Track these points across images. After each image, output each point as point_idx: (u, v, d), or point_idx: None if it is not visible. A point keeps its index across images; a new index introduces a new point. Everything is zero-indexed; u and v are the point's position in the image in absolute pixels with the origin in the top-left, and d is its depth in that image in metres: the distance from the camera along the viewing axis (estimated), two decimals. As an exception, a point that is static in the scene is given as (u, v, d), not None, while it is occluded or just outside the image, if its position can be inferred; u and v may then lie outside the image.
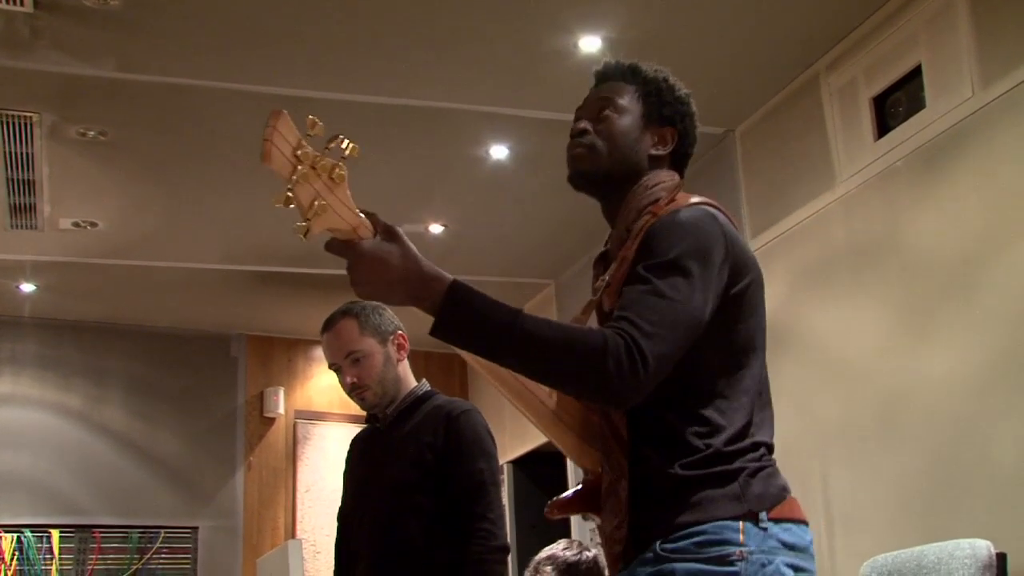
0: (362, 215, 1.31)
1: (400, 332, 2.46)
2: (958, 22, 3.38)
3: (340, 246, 1.30)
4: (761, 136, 4.37)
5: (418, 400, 2.43)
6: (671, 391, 1.37)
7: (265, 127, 1.21)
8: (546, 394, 1.50)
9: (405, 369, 2.46)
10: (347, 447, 2.61)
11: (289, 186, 1.23)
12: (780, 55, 3.95)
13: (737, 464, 1.39)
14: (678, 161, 1.60)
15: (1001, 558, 2.45)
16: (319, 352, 6.93)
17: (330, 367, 2.44)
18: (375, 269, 1.29)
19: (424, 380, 2.50)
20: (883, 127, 3.74)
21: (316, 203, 1.24)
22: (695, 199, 1.49)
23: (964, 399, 3.24)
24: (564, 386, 1.37)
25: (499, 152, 4.62)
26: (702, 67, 3.88)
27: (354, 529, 2.42)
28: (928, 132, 3.49)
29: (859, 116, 3.81)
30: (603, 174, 1.53)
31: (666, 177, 1.54)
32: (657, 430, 1.40)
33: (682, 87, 1.62)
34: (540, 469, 6.46)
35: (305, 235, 1.26)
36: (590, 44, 3.78)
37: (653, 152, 1.56)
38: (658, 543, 1.36)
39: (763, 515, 1.37)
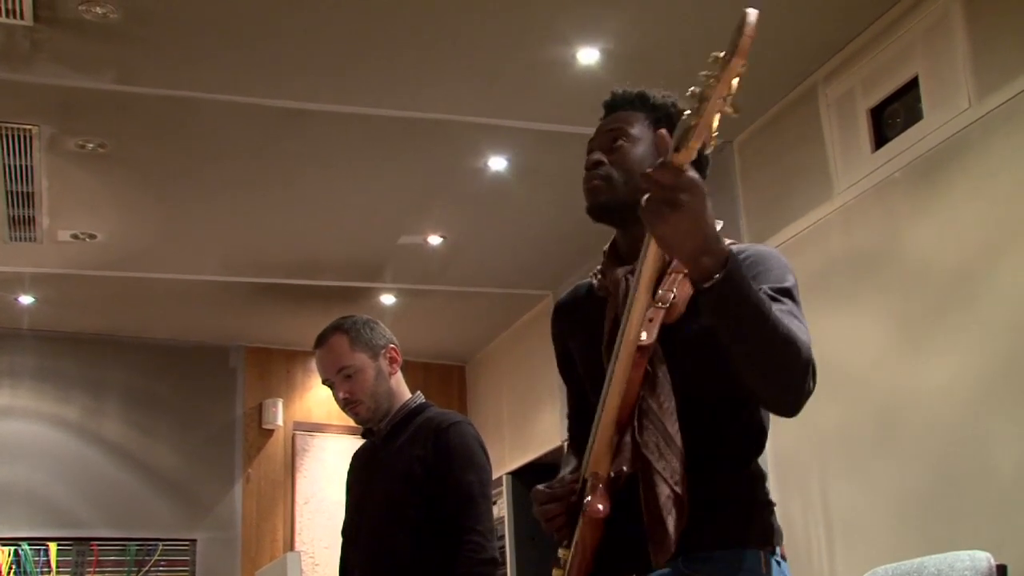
0: None
1: (392, 346, 2.45)
2: (954, 34, 3.40)
3: (677, 174, 1.23)
4: (759, 147, 4.37)
5: (411, 413, 2.42)
6: (726, 410, 1.44)
7: (746, 26, 1.18)
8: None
9: (398, 382, 2.45)
10: (346, 459, 2.61)
11: (730, 94, 1.21)
12: (777, 66, 3.96)
13: (762, 490, 1.47)
14: None
15: (1001, 569, 2.44)
16: (318, 363, 6.95)
17: (323, 383, 2.44)
18: (696, 211, 1.23)
19: (418, 393, 2.49)
20: (881, 138, 3.74)
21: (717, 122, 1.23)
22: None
23: (963, 409, 3.23)
24: (771, 380, 1.33)
25: (498, 164, 4.63)
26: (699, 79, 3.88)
27: (352, 546, 2.42)
28: (925, 143, 3.50)
29: (857, 127, 3.81)
30: (620, 203, 1.54)
31: None
32: (707, 443, 1.43)
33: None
34: (539, 480, 6.42)
35: (689, 148, 1.22)
36: (588, 56, 3.78)
37: None
38: (680, 560, 1.38)
39: (777, 550, 1.44)
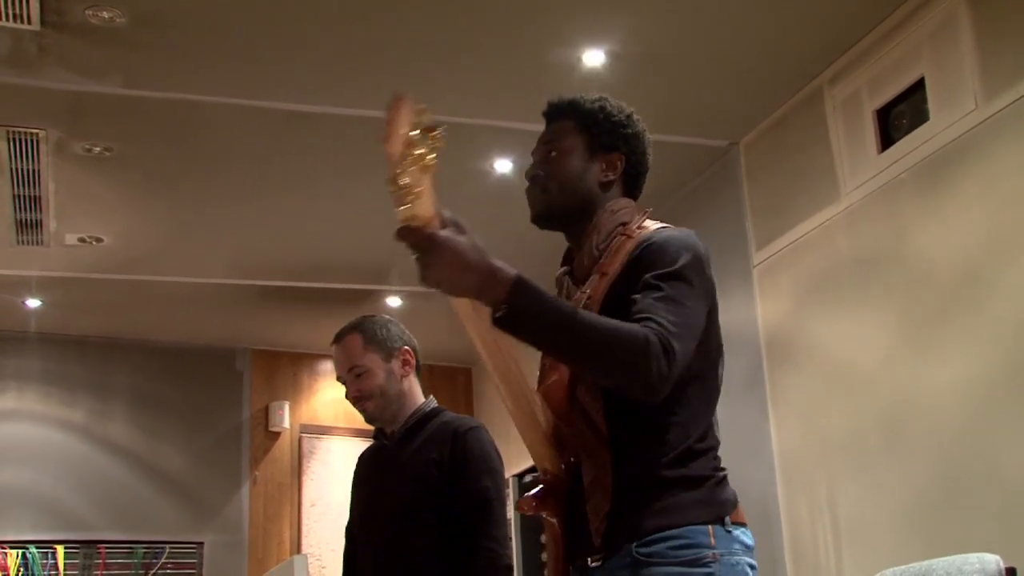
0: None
1: (407, 348, 2.46)
2: (960, 35, 3.39)
3: (414, 233, 1.34)
4: (765, 149, 4.37)
5: (425, 417, 2.43)
6: None
7: (389, 109, 1.24)
8: (536, 398, 1.58)
9: (411, 385, 2.45)
10: (352, 461, 2.62)
11: (399, 169, 1.29)
12: (784, 68, 3.96)
13: (705, 465, 1.50)
14: (631, 181, 1.68)
15: (1011, 572, 2.43)
16: (324, 366, 6.96)
17: (337, 379, 2.47)
18: (449, 257, 1.33)
19: (432, 397, 2.50)
20: (887, 140, 3.74)
21: (416, 188, 1.31)
22: (665, 224, 1.60)
23: (970, 410, 3.23)
24: (611, 377, 1.40)
25: (503, 166, 4.63)
26: (706, 80, 3.89)
27: (361, 546, 2.42)
28: (932, 144, 3.49)
29: (863, 129, 3.81)
30: (558, 212, 1.65)
31: (625, 204, 1.65)
32: (635, 427, 1.48)
33: (623, 111, 1.68)
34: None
35: (408, 219, 1.31)
36: (594, 58, 3.78)
37: (603, 179, 1.65)
38: (633, 545, 1.44)
39: (727, 519, 1.47)
